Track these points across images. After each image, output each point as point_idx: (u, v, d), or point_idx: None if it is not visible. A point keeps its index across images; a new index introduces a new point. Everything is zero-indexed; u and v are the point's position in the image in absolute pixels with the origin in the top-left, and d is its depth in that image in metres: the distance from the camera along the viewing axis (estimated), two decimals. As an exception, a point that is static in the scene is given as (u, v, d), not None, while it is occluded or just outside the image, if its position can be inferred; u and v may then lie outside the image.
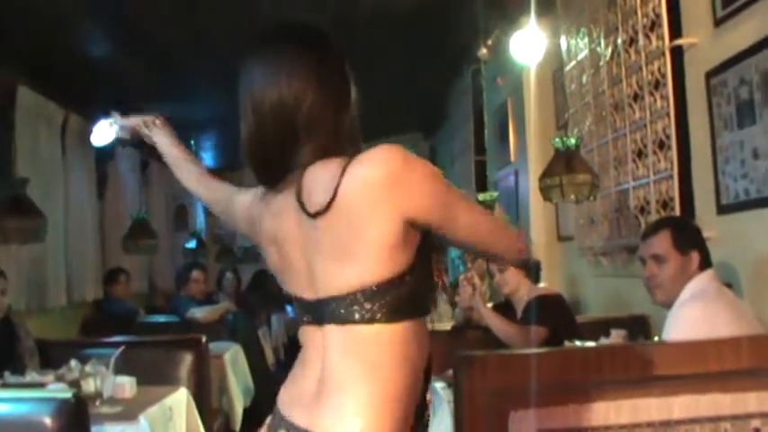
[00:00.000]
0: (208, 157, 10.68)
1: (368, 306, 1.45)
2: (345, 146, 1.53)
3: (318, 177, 1.48)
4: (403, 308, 1.48)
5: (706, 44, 3.73)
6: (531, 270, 4.17)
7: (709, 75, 3.66)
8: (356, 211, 1.42)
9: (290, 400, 1.57)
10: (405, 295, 1.47)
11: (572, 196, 4.36)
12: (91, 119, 6.70)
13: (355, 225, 1.43)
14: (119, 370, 3.61)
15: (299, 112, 1.52)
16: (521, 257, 1.69)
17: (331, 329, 1.50)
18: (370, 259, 1.44)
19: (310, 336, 1.57)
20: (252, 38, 1.65)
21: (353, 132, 1.59)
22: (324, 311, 1.51)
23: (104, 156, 7.48)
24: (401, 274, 1.47)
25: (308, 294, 1.55)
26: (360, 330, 1.47)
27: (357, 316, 1.46)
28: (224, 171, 2.83)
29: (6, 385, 3.44)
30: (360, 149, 1.49)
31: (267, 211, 1.61)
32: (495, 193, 6.96)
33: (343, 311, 1.47)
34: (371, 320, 1.46)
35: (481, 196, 6.93)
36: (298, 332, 1.64)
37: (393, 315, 1.47)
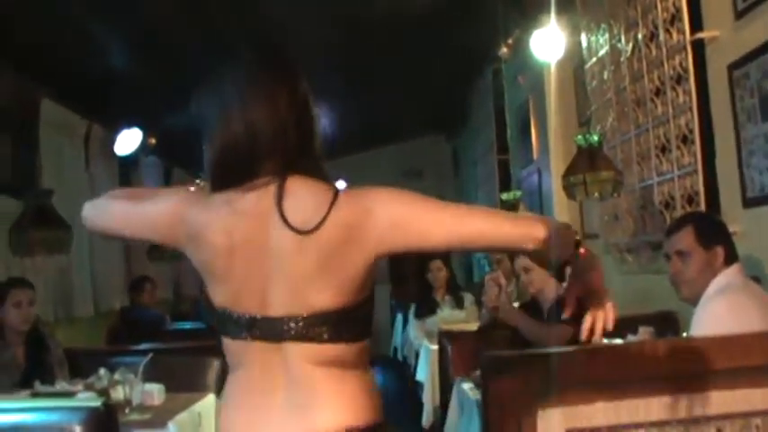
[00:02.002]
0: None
1: (334, 327, 1.54)
2: (318, 162, 1.63)
3: (306, 197, 1.55)
4: (365, 329, 1.60)
5: (727, 37, 3.71)
6: (553, 265, 4.14)
7: (732, 67, 3.63)
8: (336, 244, 1.52)
9: (255, 424, 1.57)
10: (365, 318, 1.60)
11: (596, 193, 4.34)
12: (113, 129, 6.78)
13: (333, 254, 1.52)
14: (147, 377, 3.63)
15: (293, 129, 1.59)
16: (536, 245, 1.56)
17: (293, 346, 1.55)
18: (340, 285, 1.54)
19: (256, 353, 1.57)
20: (253, 46, 1.71)
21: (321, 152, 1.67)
22: (282, 329, 1.54)
23: (128, 165, 7.51)
24: (364, 300, 1.59)
25: (260, 311, 1.56)
26: (326, 348, 1.55)
27: (326, 336, 1.54)
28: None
29: (36, 395, 3.47)
30: (323, 166, 1.63)
31: (225, 207, 1.56)
32: (519, 192, 6.97)
33: (308, 331, 1.54)
34: (338, 340, 1.55)
35: (504, 195, 6.95)
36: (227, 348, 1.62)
37: (357, 336, 1.58)
